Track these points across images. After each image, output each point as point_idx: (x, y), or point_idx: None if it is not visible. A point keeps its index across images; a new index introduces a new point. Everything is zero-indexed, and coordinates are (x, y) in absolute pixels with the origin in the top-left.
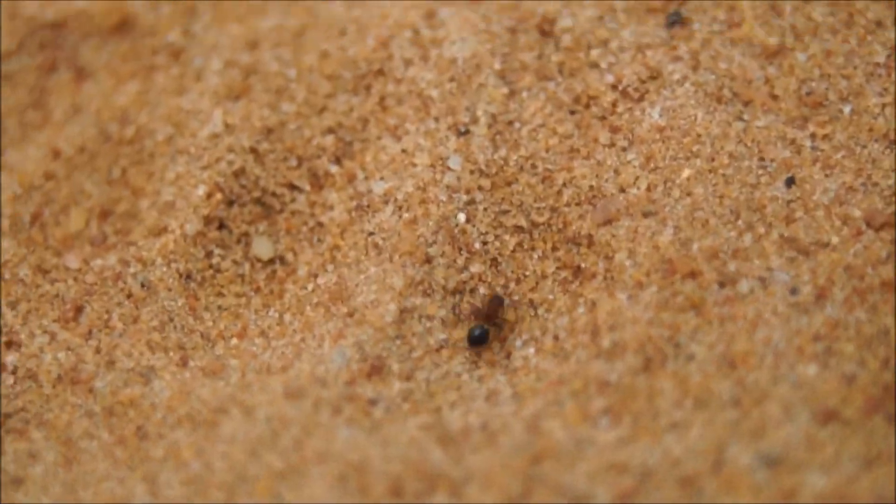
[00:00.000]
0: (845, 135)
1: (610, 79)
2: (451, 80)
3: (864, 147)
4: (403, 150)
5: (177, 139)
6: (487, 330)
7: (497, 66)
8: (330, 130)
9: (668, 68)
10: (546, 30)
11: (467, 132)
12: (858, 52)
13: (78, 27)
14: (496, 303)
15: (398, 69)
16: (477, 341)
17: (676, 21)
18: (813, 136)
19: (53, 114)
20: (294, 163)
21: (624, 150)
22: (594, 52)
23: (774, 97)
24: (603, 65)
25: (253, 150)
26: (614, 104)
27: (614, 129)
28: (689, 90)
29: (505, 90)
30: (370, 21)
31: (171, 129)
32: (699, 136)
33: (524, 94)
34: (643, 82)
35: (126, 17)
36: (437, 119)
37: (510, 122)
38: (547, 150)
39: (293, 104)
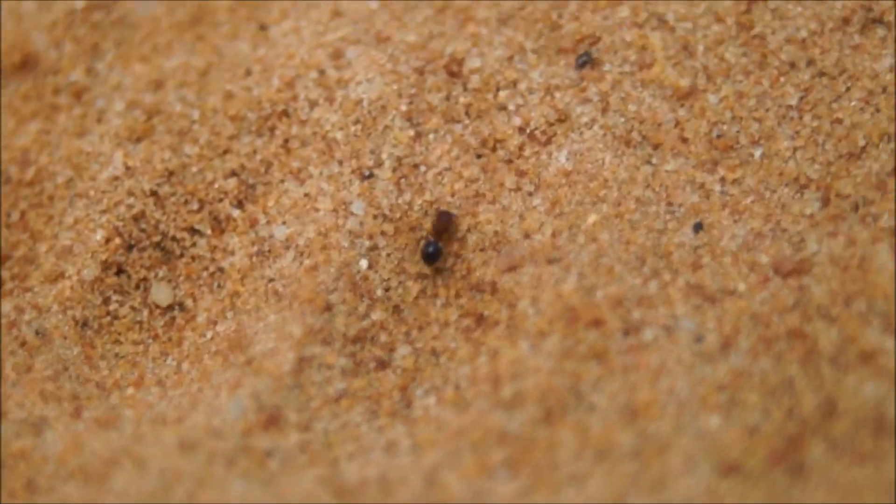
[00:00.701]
0: (755, 179)
1: (518, 121)
2: (357, 122)
3: (774, 192)
4: (306, 195)
5: (76, 182)
6: (440, 246)
7: (403, 107)
8: (233, 173)
9: (577, 111)
10: (454, 70)
11: (371, 176)
12: (771, 94)
13: None
14: (445, 218)
15: (303, 110)
16: (431, 258)
17: (587, 62)
18: (723, 180)
19: None
20: (195, 206)
21: (530, 194)
22: (502, 94)
23: (684, 140)
24: (511, 107)
25: (153, 194)
26: (521, 147)
27: (521, 174)
28: (598, 133)
29: (411, 132)
30: (275, 61)
31: (70, 172)
32: (606, 180)
33: (430, 137)
34: (551, 125)
35: (28, 55)
36: (341, 162)
37: (416, 166)
38: (452, 195)
39: (196, 146)
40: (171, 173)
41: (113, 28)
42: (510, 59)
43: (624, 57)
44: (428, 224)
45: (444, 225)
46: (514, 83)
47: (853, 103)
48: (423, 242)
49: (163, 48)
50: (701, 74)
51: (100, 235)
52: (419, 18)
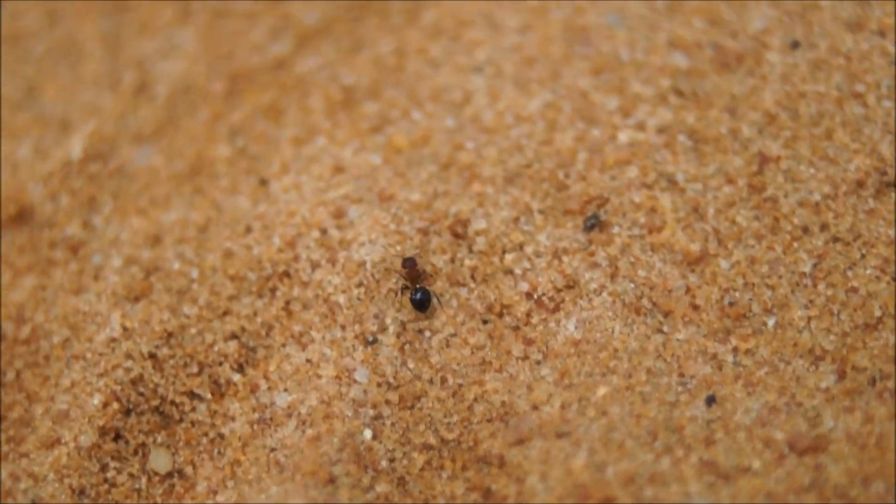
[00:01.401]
0: (769, 350)
1: (525, 287)
2: (359, 284)
3: (789, 363)
4: (308, 360)
5: (73, 343)
6: (427, 289)
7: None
8: (233, 336)
9: (586, 276)
10: (459, 232)
11: (375, 341)
12: (784, 261)
13: None
14: (411, 262)
15: (304, 272)
16: (423, 304)
17: (595, 224)
18: (735, 350)
19: None
20: (195, 370)
21: (538, 363)
22: (509, 257)
23: (696, 308)
24: (517, 271)
25: (152, 356)
26: (529, 314)
27: (528, 342)
28: (607, 300)
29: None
30: (276, 218)
31: (67, 332)
32: (616, 350)
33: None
34: (559, 291)
35: (24, 207)
36: (343, 327)
37: (420, 332)
38: (458, 363)
39: (195, 307)
40: (170, 335)
41: (110, 179)
42: (516, 220)
43: (633, 219)
44: (434, 392)
45: (413, 270)
46: (521, 246)
47: (868, 271)
48: (407, 294)
49: (161, 201)
50: (712, 238)
51: (97, 400)
52: (423, 175)
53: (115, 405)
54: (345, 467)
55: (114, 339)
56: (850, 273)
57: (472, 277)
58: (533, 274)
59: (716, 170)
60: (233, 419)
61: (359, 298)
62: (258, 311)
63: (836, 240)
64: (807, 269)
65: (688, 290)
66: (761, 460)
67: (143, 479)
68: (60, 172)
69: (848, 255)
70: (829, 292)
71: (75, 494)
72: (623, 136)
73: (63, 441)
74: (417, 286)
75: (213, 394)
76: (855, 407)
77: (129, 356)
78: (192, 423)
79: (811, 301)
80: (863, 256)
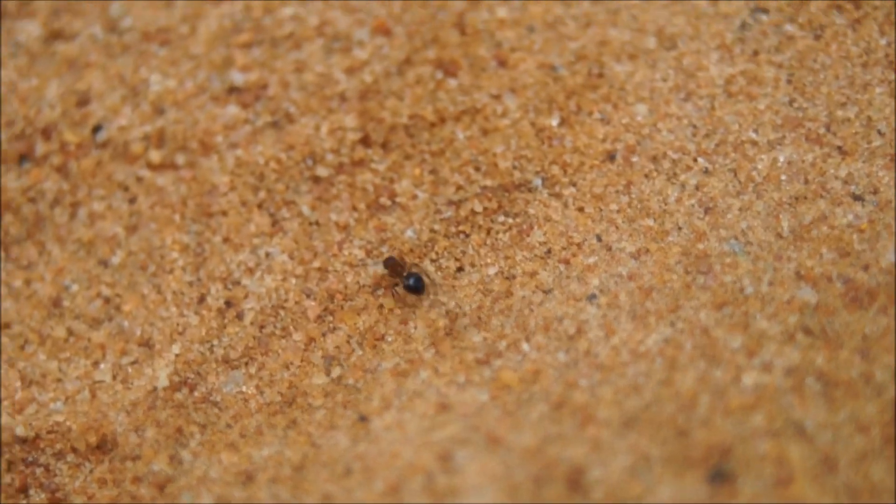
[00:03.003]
0: None
1: None
2: None
3: None
4: None
5: None
6: (418, 273)
7: None
8: None
9: None
10: (574, 481)
11: None
12: None
13: (52, 444)
14: (389, 262)
15: None
16: (416, 288)
17: (719, 476)
18: None
19: None
20: None
21: None
22: None
23: None
24: None
25: None
26: None
27: None
28: None
29: None
30: (378, 460)
31: None
32: None
33: None
34: None
35: (106, 436)
36: None
37: None
38: None
39: None
40: None
41: (197, 410)
42: (634, 468)
43: (760, 472)
44: None
45: (396, 263)
46: (640, 498)
47: None
48: (400, 285)
49: (252, 434)
50: (842, 492)
51: None
52: (534, 416)
53: None
54: None
55: None
56: None
57: None
58: None
59: (847, 417)
60: None
61: None
62: None
63: None
64: None
65: None
66: None
67: None
68: (145, 402)
69: None
70: None
71: None
72: (748, 379)
73: None
74: (405, 273)
75: None
76: None
77: None
78: None
79: None
80: None
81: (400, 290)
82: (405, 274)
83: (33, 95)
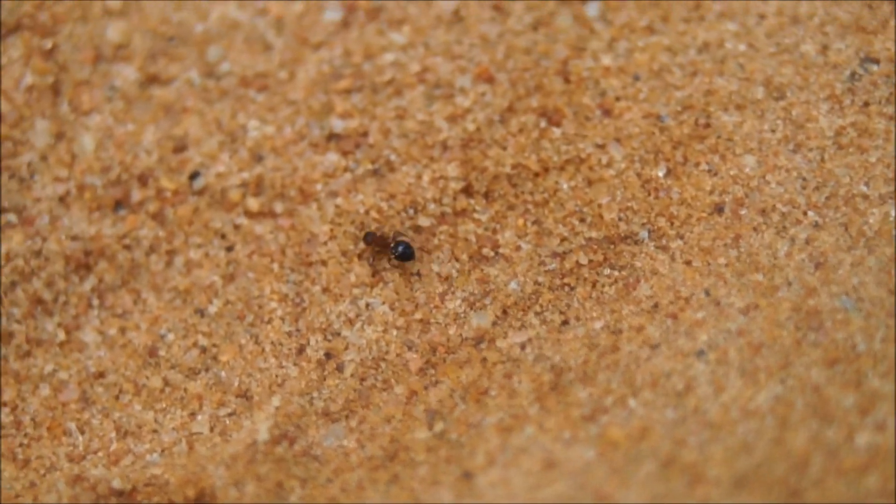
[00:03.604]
0: None
1: None
2: None
3: None
4: None
5: None
6: (403, 241)
7: None
8: None
9: None
10: None
11: None
12: None
13: (149, 497)
14: (369, 238)
15: None
16: (405, 255)
17: None
18: None
19: None
20: None
21: None
22: None
23: None
24: None
25: None
26: None
27: None
28: None
29: None
30: None
31: None
32: None
33: None
34: None
35: (205, 489)
36: None
37: None
38: None
39: None
40: None
41: (297, 464)
42: None
43: None
44: None
45: (378, 238)
46: None
47: None
48: (382, 259)
49: (353, 489)
50: None
51: None
52: (641, 474)
53: None
54: None
55: None
56: None
57: None
58: None
59: None
60: None
61: None
62: None
63: None
64: None
65: None
66: None
67: None
68: (245, 455)
69: None
70: None
71: None
72: (861, 439)
73: None
74: (393, 244)
75: None
76: None
77: None
78: None
79: None
80: None
81: (380, 262)
82: (391, 244)
83: (130, 141)
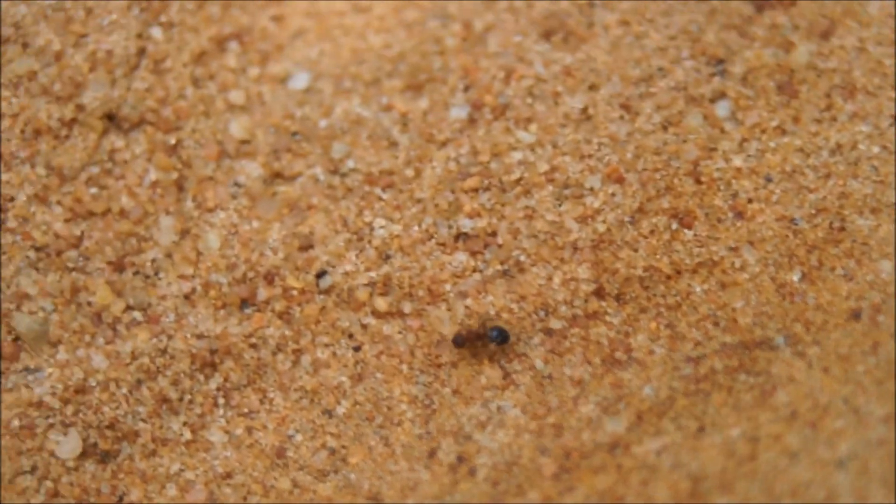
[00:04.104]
0: None
1: None
2: None
3: None
4: None
5: None
6: (501, 328)
7: None
8: None
9: None
10: None
11: None
12: None
13: None
14: (458, 340)
15: None
16: (503, 339)
17: None
18: None
19: None
20: None
21: None
22: None
23: None
24: None
25: None
26: None
27: None
28: None
29: None
30: None
31: None
32: None
33: None
34: None
35: None
36: None
37: None
38: None
39: None
40: None
41: None
42: None
43: None
44: None
45: (472, 336)
46: None
47: None
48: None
49: None
50: None
51: None
52: None
53: None
54: None
55: None
56: None
57: None
58: None
59: None
60: None
61: None
62: None
63: None
64: None
65: None
66: None
67: None
68: None
69: None
70: None
71: None
72: None
73: None
74: (486, 332)
75: None
76: None
77: None
78: None
79: None
80: None
81: (492, 346)
82: (486, 333)
83: (255, 238)
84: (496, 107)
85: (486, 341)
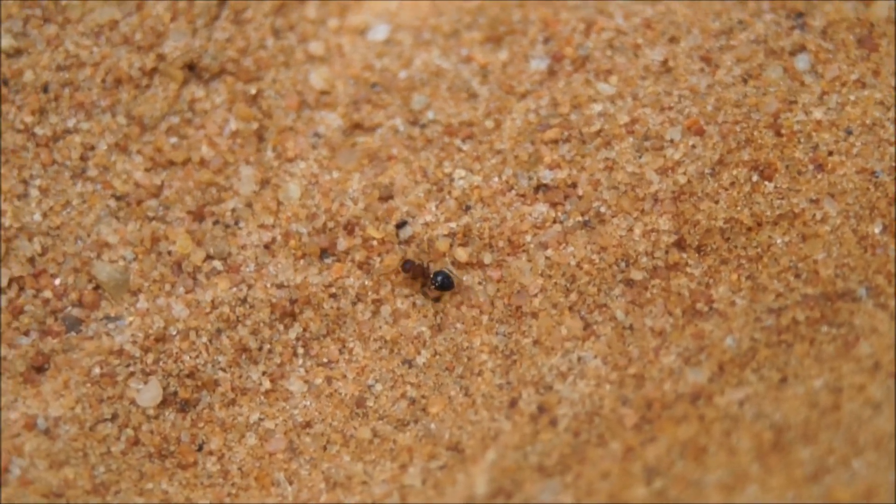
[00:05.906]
0: None
1: None
2: None
3: None
4: None
5: None
6: (441, 271)
7: None
8: None
9: None
10: None
11: None
12: None
13: None
14: (407, 266)
15: None
16: (444, 285)
17: None
18: None
19: None
20: None
21: None
22: None
23: None
24: None
25: None
26: None
27: None
28: None
29: None
30: None
31: None
32: None
33: None
34: None
35: None
36: None
37: None
38: None
39: None
40: None
41: None
42: None
43: None
44: None
45: (415, 266)
46: None
47: None
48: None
49: None
50: None
51: None
52: None
53: None
54: None
55: None
56: None
57: None
58: None
59: None
60: None
61: None
62: None
63: None
64: None
65: None
66: None
67: None
68: None
69: None
70: None
71: None
72: None
73: None
74: (431, 274)
75: None
76: None
77: None
78: None
79: None
80: None
81: (430, 290)
82: (430, 274)
83: (335, 189)
84: (576, 59)
85: (428, 281)
